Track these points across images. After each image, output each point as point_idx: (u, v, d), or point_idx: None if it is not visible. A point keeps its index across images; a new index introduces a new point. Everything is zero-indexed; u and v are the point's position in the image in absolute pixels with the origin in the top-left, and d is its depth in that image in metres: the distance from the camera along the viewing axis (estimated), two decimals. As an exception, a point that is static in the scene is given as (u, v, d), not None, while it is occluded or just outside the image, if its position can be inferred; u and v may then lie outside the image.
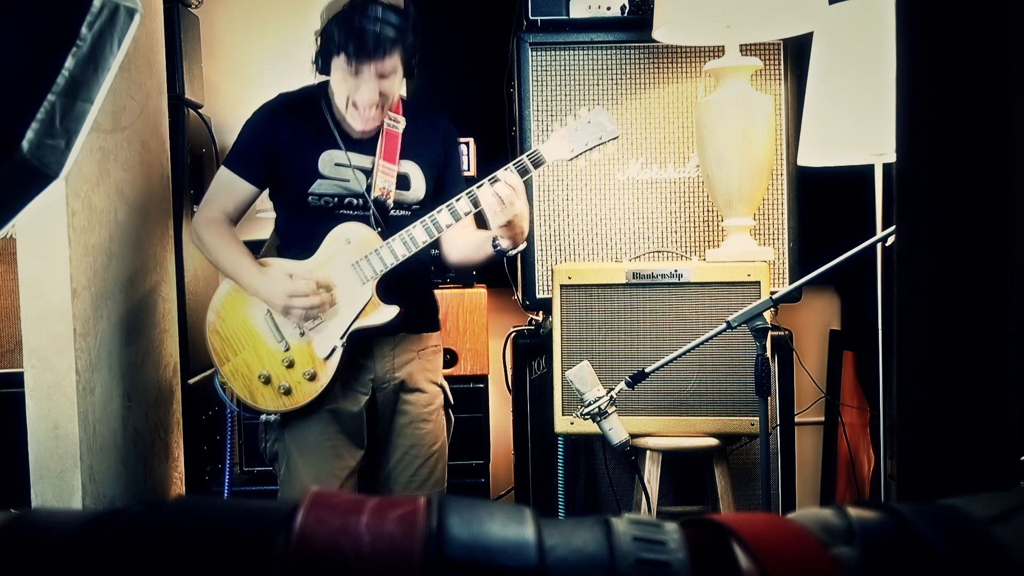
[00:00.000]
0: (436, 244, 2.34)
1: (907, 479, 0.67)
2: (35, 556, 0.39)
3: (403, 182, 2.31)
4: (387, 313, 2.23)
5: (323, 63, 2.23)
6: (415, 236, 2.21)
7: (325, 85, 2.30)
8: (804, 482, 3.09)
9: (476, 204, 2.18)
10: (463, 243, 2.34)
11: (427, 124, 2.38)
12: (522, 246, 2.24)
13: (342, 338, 2.22)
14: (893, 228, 1.93)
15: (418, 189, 2.33)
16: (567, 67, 2.78)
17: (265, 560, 0.37)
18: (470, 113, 3.25)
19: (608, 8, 2.78)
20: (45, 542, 0.39)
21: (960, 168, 0.63)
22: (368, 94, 2.18)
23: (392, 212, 2.30)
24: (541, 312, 2.79)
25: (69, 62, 0.65)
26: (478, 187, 2.18)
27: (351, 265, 2.23)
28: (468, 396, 2.82)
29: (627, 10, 2.78)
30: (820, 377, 3.22)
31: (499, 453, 3.04)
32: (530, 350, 2.76)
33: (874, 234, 2.27)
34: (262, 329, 2.26)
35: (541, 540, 0.38)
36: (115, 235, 2.46)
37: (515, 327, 2.87)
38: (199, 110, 3.12)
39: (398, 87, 2.25)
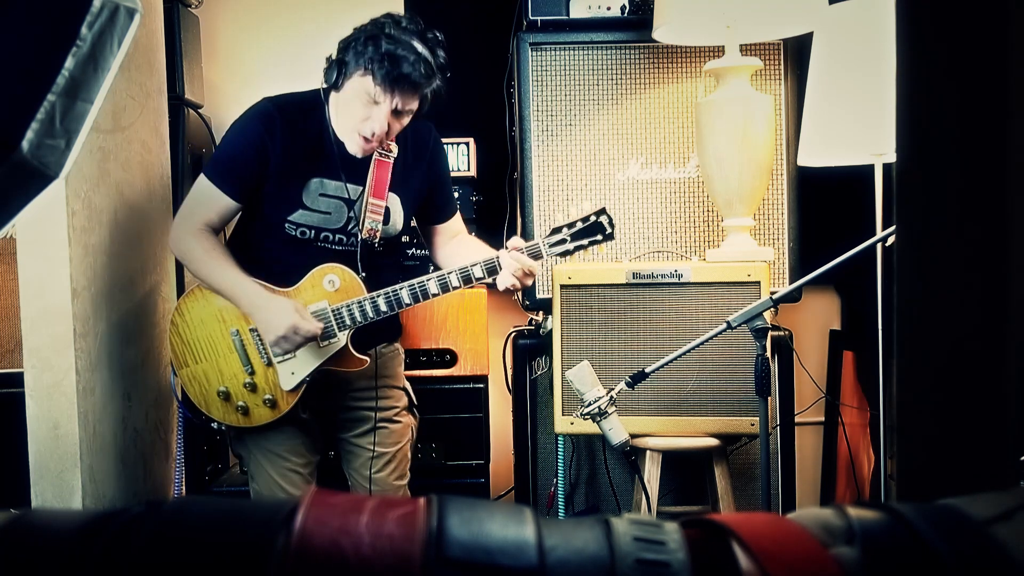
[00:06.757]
0: (421, 243, 2.31)
1: (907, 479, 0.67)
2: (35, 556, 0.39)
3: (384, 216, 2.24)
4: (357, 363, 2.22)
5: (337, 76, 2.10)
6: (401, 297, 2.16)
7: (323, 94, 2.18)
8: (804, 482, 3.09)
9: (468, 281, 2.16)
10: (462, 256, 2.28)
11: (416, 149, 2.29)
12: None
13: (309, 376, 2.21)
14: (893, 228, 1.93)
15: (396, 223, 2.27)
16: (567, 67, 2.78)
17: (265, 560, 0.37)
18: (470, 113, 3.24)
19: (608, 8, 2.78)
20: (45, 542, 0.39)
21: (959, 168, 0.63)
22: (378, 127, 2.07)
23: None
24: (541, 312, 2.79)
25: (69, 62, 0.65)
26: (472, 266, 2.16)
27: (331, 309, 2.18)
28: (468, 396, 2.81)
29: (627, 10, 2.78)
30: (820, 377, 3.22)
31: (499, 453, 3.04)
32: (530, 350, 2.76)
33: (874, 234, 2.27)
34: (228, 348, 2.23)
35: (541, 540, 0.38)
36: (115, 235, 2.46)
37: (515, 327, 2.87)
38: (199, 110, 3.12)
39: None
